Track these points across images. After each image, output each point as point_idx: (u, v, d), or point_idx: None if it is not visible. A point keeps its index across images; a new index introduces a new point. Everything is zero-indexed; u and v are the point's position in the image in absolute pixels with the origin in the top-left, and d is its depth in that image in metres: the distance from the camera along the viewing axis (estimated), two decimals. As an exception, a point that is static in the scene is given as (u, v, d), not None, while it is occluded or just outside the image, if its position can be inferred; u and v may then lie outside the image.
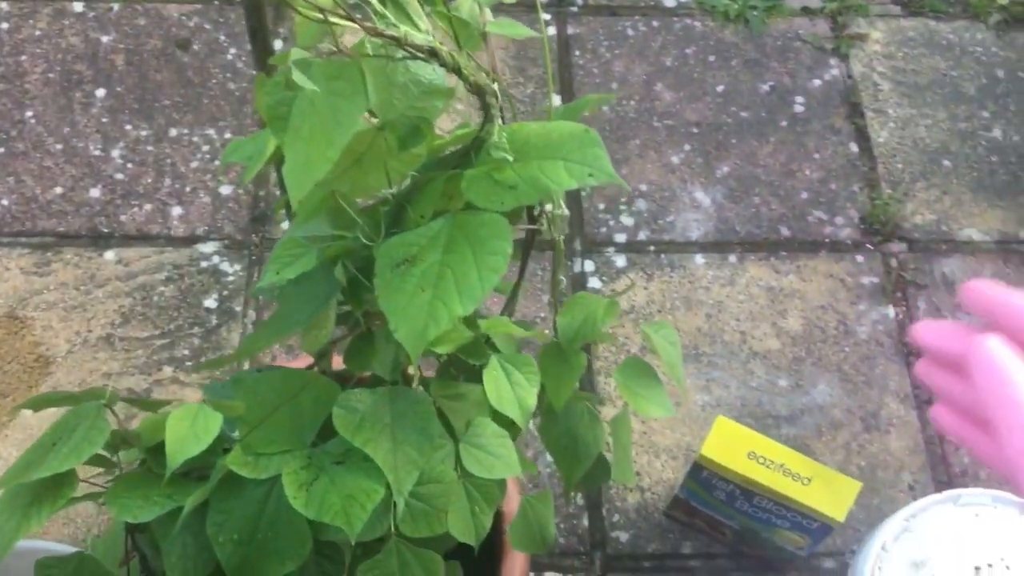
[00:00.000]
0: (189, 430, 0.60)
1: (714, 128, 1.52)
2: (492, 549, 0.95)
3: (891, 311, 1.38)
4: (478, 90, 0.56)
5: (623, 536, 1.23)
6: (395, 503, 0.61)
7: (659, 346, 0.69)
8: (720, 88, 1.56)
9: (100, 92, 1.51)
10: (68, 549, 1.10)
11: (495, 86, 0.57)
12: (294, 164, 0.51)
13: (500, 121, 0.58)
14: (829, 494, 1.04)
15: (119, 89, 1.51)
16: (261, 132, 0.66)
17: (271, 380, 0.66)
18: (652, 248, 1.42)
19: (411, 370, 0.66)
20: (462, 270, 0.54)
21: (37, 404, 0.65)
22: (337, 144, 0.49)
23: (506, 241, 0.53)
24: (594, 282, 1.40)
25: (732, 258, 1.42)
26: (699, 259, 1.42)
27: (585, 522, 1.24)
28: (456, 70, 0.54)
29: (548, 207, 0.65)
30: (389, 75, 0.52)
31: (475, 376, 0.68)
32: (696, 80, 1.57)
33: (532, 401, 0.63)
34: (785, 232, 1.44)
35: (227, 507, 0.62)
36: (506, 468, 0.65)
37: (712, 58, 1.59)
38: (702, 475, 1.10)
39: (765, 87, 1.57)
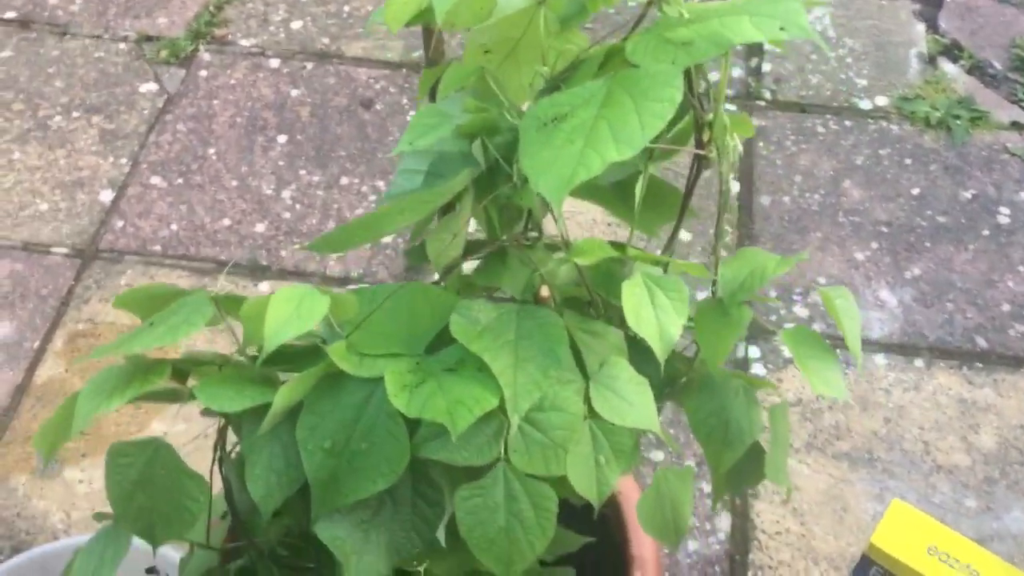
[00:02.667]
0: (293, 311, 0.53)
1: (906, 229, 1.41)
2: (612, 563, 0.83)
3: (1106, 440, 1.19)
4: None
5: (768, 646, 1.06)
6: (508, 425, 0.52)
7: (840, 311, 0.59)
8: (915, 191, 1.45)
9: (281, 138, 1.53)
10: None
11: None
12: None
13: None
14: (1028, 606, 0.87)
15: (299, 137, 1.53)
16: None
17: (389, 288, 0.59)
18: (827, 343, 1.29)
19: (544, 291, 0.57)
20: (620, 118, 0.46)
21: (133, 299, 0.60)
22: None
23: (674, 88, 0.46)
24: (758, 368, 1.28)
25: (919, 363, 1.27)
26: (880, 359, 1.28)
27: (725, 623, 1.08)
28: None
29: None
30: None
31: (614, 319, 0.59)
32: (889, 181, 1.46)
33: (675, 331, 0.53)
34: (982, 343, 1.29)
35: (322, 409, 0.54)
36: (641, 418, 0.55)
37: (908, 161, 1.49)
38: (870, 572, 0.94)
39: (966, 194, 1.45)
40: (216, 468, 0.63)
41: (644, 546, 0.82)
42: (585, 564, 0.83)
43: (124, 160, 1.51)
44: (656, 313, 0.53)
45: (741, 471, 0.64)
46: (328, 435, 0.54)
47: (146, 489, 0.55)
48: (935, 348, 1.29)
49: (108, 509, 1.05)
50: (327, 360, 0.54)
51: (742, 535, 1.14)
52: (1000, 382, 1.25)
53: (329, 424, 0.54)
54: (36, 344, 1.30)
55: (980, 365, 1.27)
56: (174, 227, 1.43)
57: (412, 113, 1.57)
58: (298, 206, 1.45)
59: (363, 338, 0.55)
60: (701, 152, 0.58)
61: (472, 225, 0.61)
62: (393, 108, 1.58)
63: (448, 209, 0.57)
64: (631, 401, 0.55)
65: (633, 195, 0.59)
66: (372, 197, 1.46)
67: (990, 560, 0.89)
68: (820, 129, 1.53)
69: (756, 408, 0.61)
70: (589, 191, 0.65)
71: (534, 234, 0.59)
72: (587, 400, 0.55)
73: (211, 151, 1.52)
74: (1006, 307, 1.32)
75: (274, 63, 1.64)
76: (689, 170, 0.60)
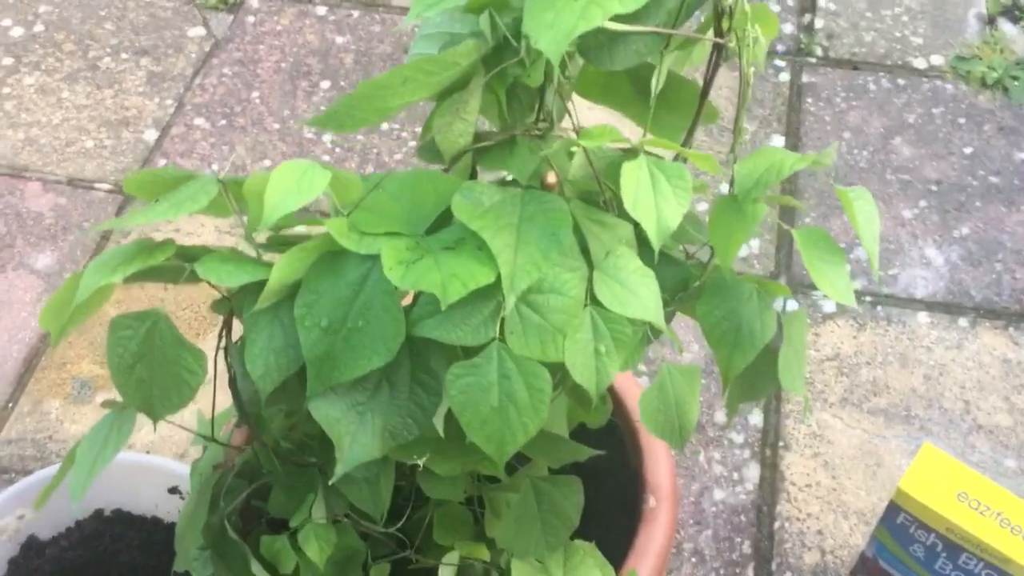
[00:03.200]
0: (294, 184, 0.52)
1: (956, 188, 1.36)
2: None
3: None
4: None
5: (792, 597, 1.04)
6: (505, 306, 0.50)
7: (857, 212, 0.56)
8: (968, 150, 1.41)
9: (325, 84, 1.53)
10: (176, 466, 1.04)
11: None
12: None
13: None
14: (1061, 555, 0.83)
15: (343, 84, 1.53)
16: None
17: (394, 174, 0.58)
18: (868, 299, 1.26)
19: (550, 178, 0.56)
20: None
21: (143, 181, 0.60)
22: None
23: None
24: (796, 322, 1.25)
25: (963, 322, 1.23)
26: (923, 317, 1.24)
27: (750, 573, 1.06)
28: None
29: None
30: None
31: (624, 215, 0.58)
32: (941, 140, 1.42)
33: (674, 219, 0.51)
34: (1030, 304, 1.25)
35: (319, 287, 0.53)
36: (644, 309, 0.53)
37: (962, 120, 1.44)
38: (898, 519, 0.91)
39: (1021, 155, 1.40)
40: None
41: (660, 473, 0.80)
42: (604, 491, 0.82)
43: (169, 101, 1.52)
44: (656, 199, 0.51)
45: (754, 378, 0.62)
46: (325, 313, 0.53)
47: (145, 361, 0.55)
48: (981, 308, 1.25)
49: (137, 435, 1.06)
50: (325, 236, 0.53)
51: (771, 486, 1.12)
52: (1048, 344, 1.21)
53: (326, 302, 0.53)
54: (69, 272, 1.32)
55: (1028, 326, 1.23)
56: (215, 167, 1.44)
57: (456, 62, 1.56)
58: (338, 150, 1.45)
59: (364, 217, 0.55)
60: (720, 40, 0.56)
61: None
62: (437, 57, 1.57)
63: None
64: (636, 292, 0.54)
65: (650, 94, 0.57)
66: (411, 143, 1.46)
67: (1023, 508, 0.86)
68: (872, 87, 1.49)
69: (769, 312, 0.59)
70: (604, 92, 0.64)
71: (545, 124, 0.58)
72: (590, 289, 0.53)
73: (255, 95, 1.53)
74: (1058, 269, 1.28)
75: (321, 10, 1.64)
76: (707, 61, 0.58)
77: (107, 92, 1.54)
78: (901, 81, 1.50)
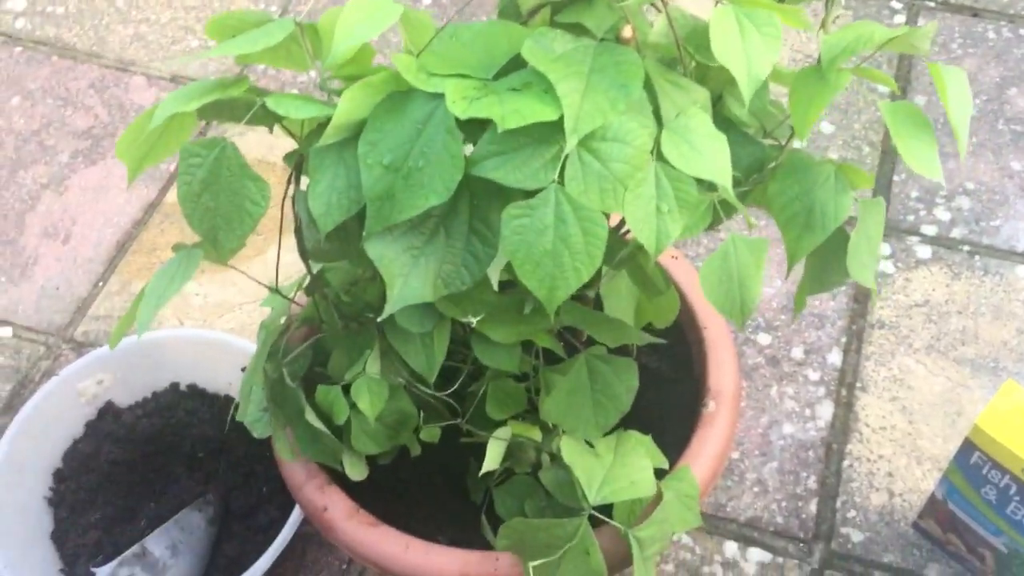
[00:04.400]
0: (365, 16, 0.52)
1: (1072, 142, 1.30)
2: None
3: None
4: None
5: (856, 536, 1.01)
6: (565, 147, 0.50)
7: (950, 91, 0.53)
8: (1089, 105, 1.33)
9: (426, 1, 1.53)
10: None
11: None
12: None
13: None
14: None
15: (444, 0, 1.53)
16: None
17: (469, 25, 0.57)
18: (966, 248, 1.21)
19: (626, 32, 0.55)
20: None
21: (224, 23, 0.60)
22: None
23: None
24: (886, 266, 1.21)
25: (1064, 278, 1.18)
26: (1022, 271, 1.19)
27: (813, 508, 1.04)
28: None
29: None
30: None
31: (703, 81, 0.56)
32: (1060, 93, 1.35)
33: (764, 67, 0.49)
34: None
35: (383, 126, 0.53)
36: (711, 169, 0.52)
37: (1086, 74, 1.37)
38: (971, 459, 0.88)
39: None
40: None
41: (722, 379, 0.79)
42: (667, 396, 0.81)
43: (274, 8, 1.54)
44: (745, 46, 0.50)
45: (823, 265, 0.60)
46: (388, 150, 0.53)
47: (211, 189, 0.56)
48: (1086, 266, 1.19)
49: (219, 320, 1.08)
50: (393, 72, 0.53)
51: (843, 425, 1.09)
52: None
53: (390, 140, 0.53)
54: (172, 167, 1.35)
55: None
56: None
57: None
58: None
59: (434, 60, 0.54)
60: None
61: None
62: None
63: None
64: (703, 152, 0.52)
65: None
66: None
67: (1107, 454, 0.82)
68: (991, 35, 1.43)
69: (846, 194, 0.57)
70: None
71: (626, -18, 0.57)
72: (657, 147, 0.52)
73: (359, 8, 1.53)
74: None
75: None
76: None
77: (217, -3, 1.56)
78: (1023, 31, 1.43)
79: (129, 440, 1.03)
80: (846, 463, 1.06)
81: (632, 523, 0.67)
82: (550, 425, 0.72)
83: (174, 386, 1.07)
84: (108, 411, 1.04)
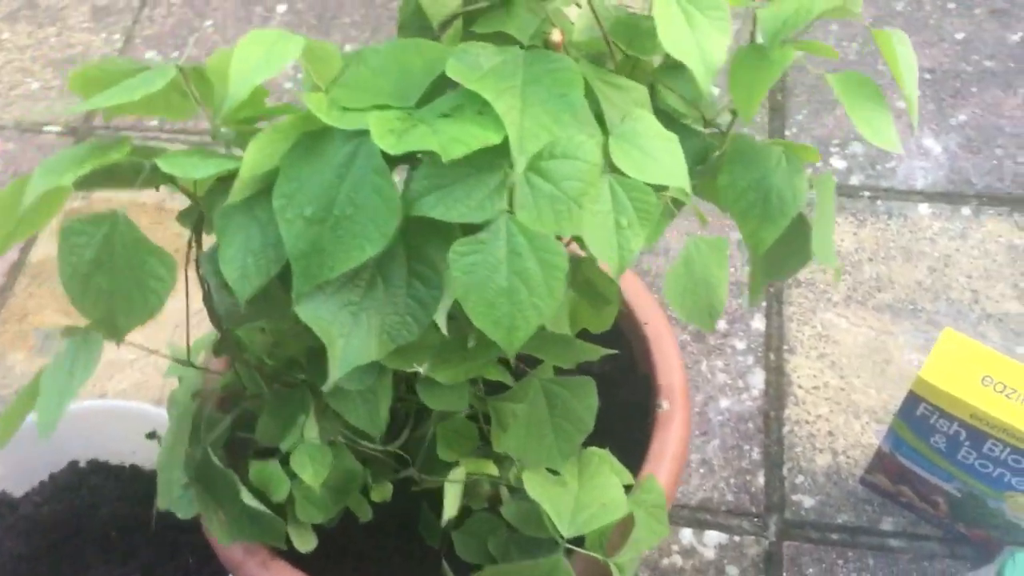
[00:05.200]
0: (262, 53, 0.46)
1: (951, 75, 1.31)
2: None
3: None
4: None
5: (807, 501, 1.00)
6: (512, 176, 0.44)
7: (899, 56, 0.50)
8: (959, 36, 1.35)
9: (281, 8, 1.45)
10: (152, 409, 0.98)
11: None
12: None
13: None
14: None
15: (299, 6, 1.45)
16: None
17: (374, 48, 0.51)
18: (867, 194, 1.21)
19: (555, 36, 0.49)
20: None
21: (89, 76, 0.53)
22: None
23: None
24: (793, 222, 1.19)
25: (965, 211, 1.19)
26: (924, 209, 1.19)
27: (760, 480, 1.02)
28: None
29: None
30: None
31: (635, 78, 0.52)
32: (931, 27, 1.36)
33: (718, 53, 0.45)
34: (1033, 189, 1.20)
35: (300, 173, 0.47)
36: (667, 174, 0.47)
37: (952, 5, 1.38)
38: (917, 411, 0.87)
39: (1015, 37, 1.34)
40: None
41: (672, 376, 0.75)
42: (614, 399, 0.77)
43: (117, 36, 1.43)
44: (695, 35, 0.45)
45: (784, 252, 0.56)
46: (308, 201, 0.47)
47: (104, 269, 0.49)
48: (983, 195, 1.20)
49: (111, 383, 0.99)
50: (303, 114, 0.47)
51: (777, 391, 1.07)
52: (1053, 228, 1.16)
53: (309, 189, 0.47)
54: (30, 221, 1.24)
55: (1031, 211, 1.18)
56: (171, 100, 1.35)
57: (418, -24, 1.48)
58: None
59: (345, 92, 0.48)
60: None
61: None
62: (397, -28, 1.49)
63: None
64: (656, 157, 0.48)
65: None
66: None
67: (1052, 389, 0.82)
68: (854, -24, 1.43)
69: (800, 176, 0.53)
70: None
71: (541, -21, 0.52)
72: (606, 157, 0.48)
73: (207, 24, 1.44)
74: (1059, 152, 1.23)
75: (271, -69, 1.55)
76: None
77: (50, 30, 1.45)
78: (884, -31, 1.43)
79: (31, 531, 0.93)
80: (786, 429, 1.05)
81: (604, 546, 0.63)
82: (502, 454, 0.67)
83: (73, 464, 0.97)
84: (3, 503, 0.95)
